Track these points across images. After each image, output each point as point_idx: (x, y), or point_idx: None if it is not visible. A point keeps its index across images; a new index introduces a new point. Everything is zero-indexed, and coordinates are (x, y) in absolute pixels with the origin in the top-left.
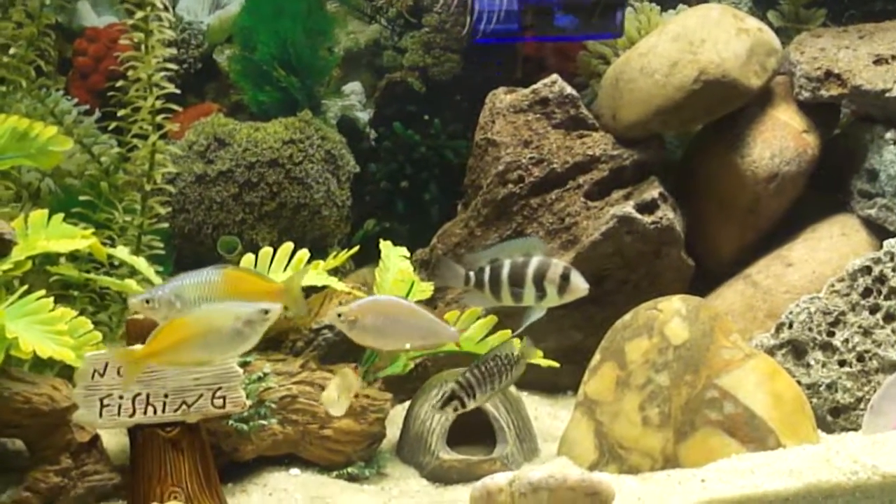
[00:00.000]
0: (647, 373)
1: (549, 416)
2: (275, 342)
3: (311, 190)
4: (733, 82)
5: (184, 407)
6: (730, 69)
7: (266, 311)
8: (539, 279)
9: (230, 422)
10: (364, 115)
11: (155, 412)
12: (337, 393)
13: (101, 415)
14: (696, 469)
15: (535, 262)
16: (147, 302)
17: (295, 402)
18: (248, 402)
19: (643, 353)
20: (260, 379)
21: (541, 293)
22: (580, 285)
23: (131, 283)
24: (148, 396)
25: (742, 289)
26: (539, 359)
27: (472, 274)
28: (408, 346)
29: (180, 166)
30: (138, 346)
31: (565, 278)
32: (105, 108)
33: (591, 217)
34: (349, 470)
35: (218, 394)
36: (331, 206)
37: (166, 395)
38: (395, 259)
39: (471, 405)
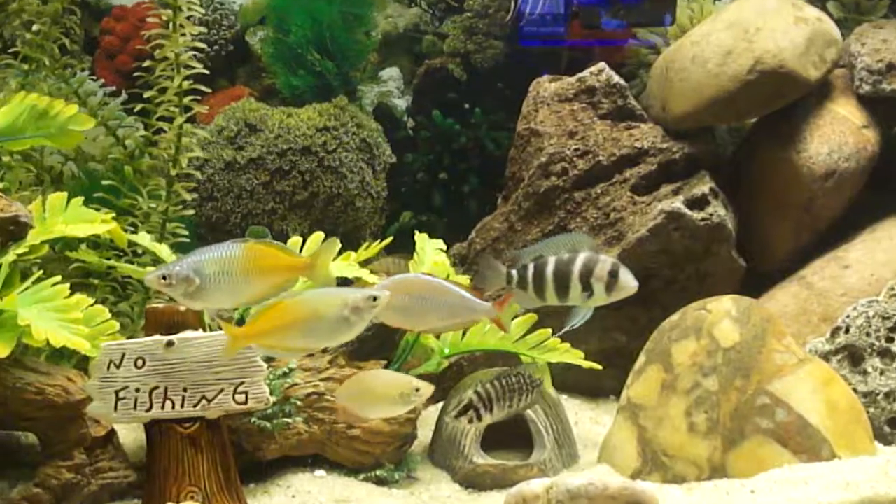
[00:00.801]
0: (695, 376)
1: (590, 420)
2: None
3: (345, 179)
4: (790, 73)
5: (203, 402)
6: (787, 59)
7: (374, 298)
8: (586, 276)
9: (253, 419)
10: (402, 103)
11: (173, 407)
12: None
13: (116, 408)
14: (745, 479)
15: (581, 258)
16: (164, 278)
17: (322, 400)
18: (273, 399)
19: (691, 355)
20: (285, 375)
21: (588, 291)
22: (629, 283)
23: None
24: (166, 390)
25: (796, 291)
26: (580, 360)
27: (514, 272)
28: (442, 325)
29: (209, 152)
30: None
31: (613, 275)
32: (131, 90)
33: (638, 212)
34: (377, 472)
35: (240, 389)
36: (365, 196)
37: (185, 389)
38: (430, 252)
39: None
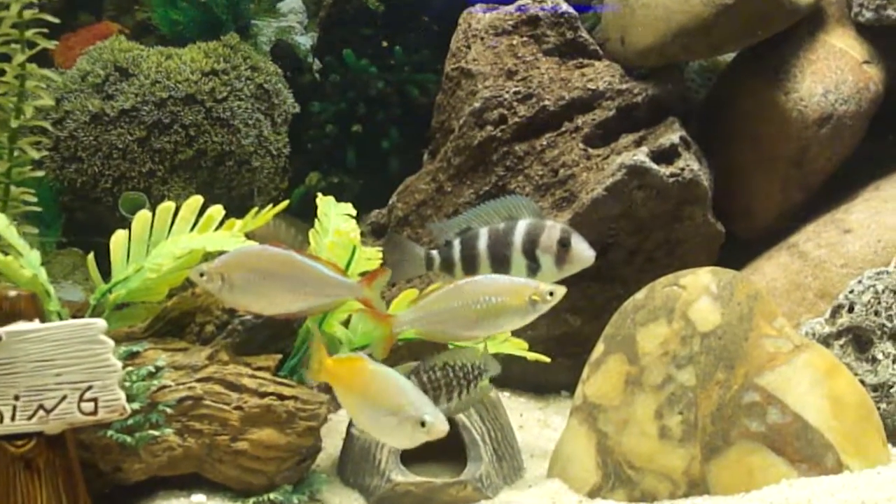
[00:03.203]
0: (667, 369)
1: (537, 423)
2: (176, 326)
3: (239, 134)
4: None
5: (41, 412)
6: None
7: (550, 293)
8: (530, 248)
9: (109, 432)
10: (305, 41)
11: (1, 420)
12: None
13: None
14: (731, 498)
15: (522, 226)
16: None
17: (199, 406)
18: (133, 407)
19: (661, 342)
20: (151, 375)
21: (534, 265)
22: (584, 252)
23: None
24: None
25: (786, 261)
26: (524, 351)
27: (435, 253)
28: (299, 307)
29: (71, 102)
30: None
31: (564, 244)
32: None
33: (593, 168)
34: (271, 496)
35: (87, 395)
36: (263, 154)
37: (17, 398)
38: (334, 218)
39: None
